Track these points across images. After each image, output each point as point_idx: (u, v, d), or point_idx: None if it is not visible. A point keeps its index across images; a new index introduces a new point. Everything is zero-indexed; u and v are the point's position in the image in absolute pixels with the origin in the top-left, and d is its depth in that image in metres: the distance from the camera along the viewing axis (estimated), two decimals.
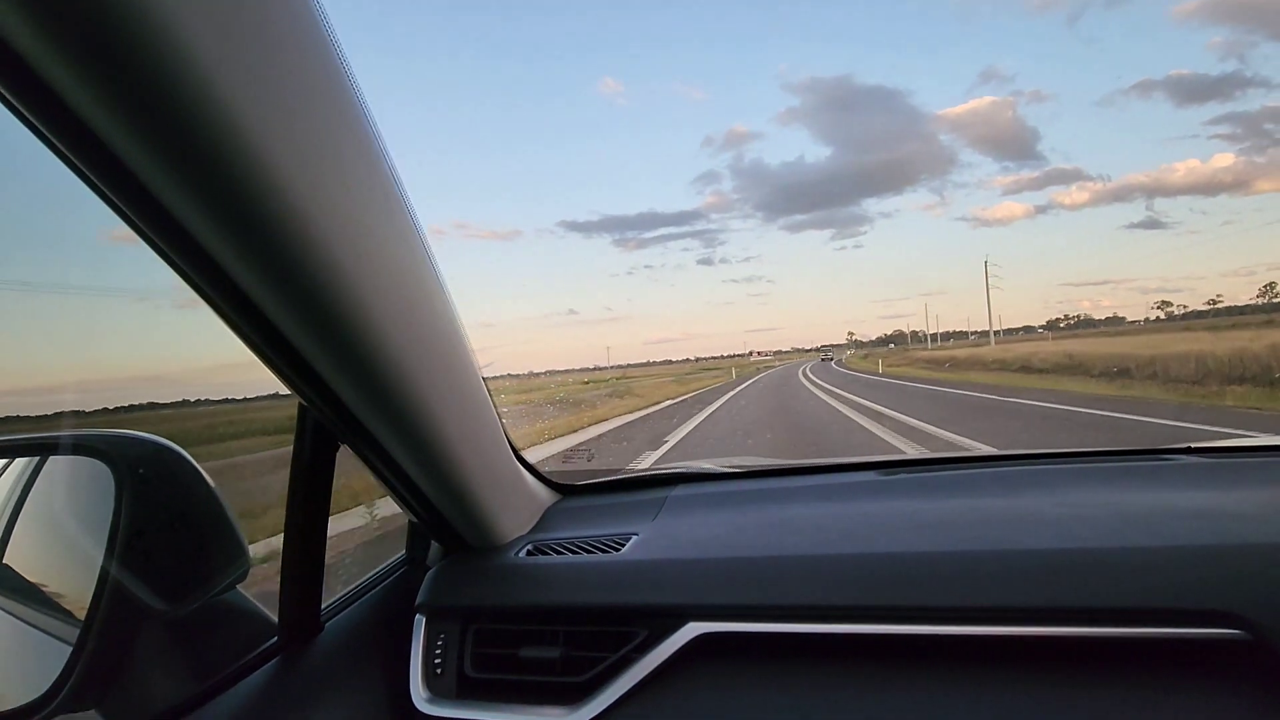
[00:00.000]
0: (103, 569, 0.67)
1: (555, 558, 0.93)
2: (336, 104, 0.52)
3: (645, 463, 7.48)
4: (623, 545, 0.95)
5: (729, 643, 0.79)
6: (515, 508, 1.01)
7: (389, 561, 1.02)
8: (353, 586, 0.93)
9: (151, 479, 0.69)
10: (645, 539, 0.97)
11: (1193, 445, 1.18)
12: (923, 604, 0.75)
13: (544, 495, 1.16)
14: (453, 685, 0.84)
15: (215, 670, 0.74)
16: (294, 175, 0.47)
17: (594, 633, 0.83)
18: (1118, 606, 0.70)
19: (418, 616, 0.90)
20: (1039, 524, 0.84)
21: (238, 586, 0.78)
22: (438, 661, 0.86)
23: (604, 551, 0.94)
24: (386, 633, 0.89)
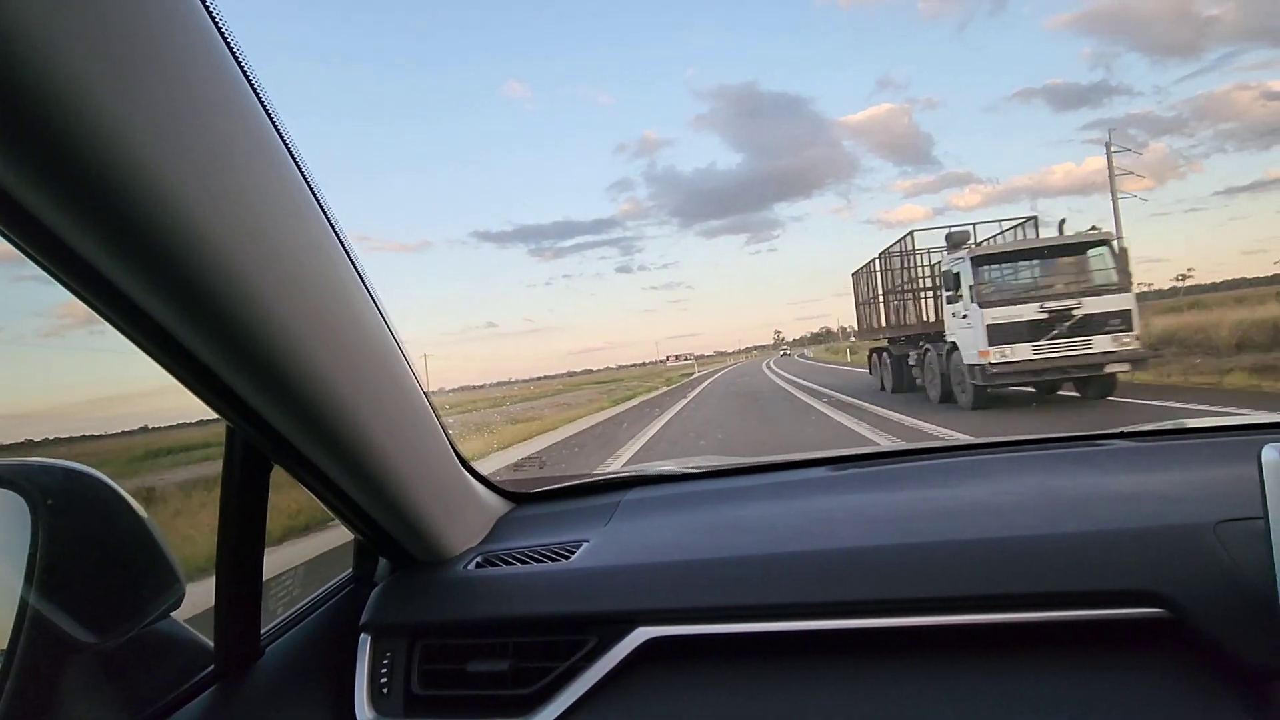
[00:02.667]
0: (21, 604, 0.64)
1: (505, 568, 0.93)
2: (234, 106, 0.49)
3: (610, 467, 7.46)
4: (573, 552, 0.95)
5: (679, 646, 0.79)
6: (464, 519, 1.00)
7: (334, 581, 0.99)
8: (295, 609, 0.91)
9: (65, 508, 0.66)
10: (596, 545, 0.96)
11: (1124, 430, 1.24)
12: (870, 598, 0.77)
13: (495, 505, 1.15)
14: (399, 704, 0.83)
15: (149, 704, 0.71)
16: (180, 175, 0.45)
17: (545, 643, 0.83)
18: (1052, 591, 0.73)
19: (363, 636, 0.88)
20: (981, 513, 0.87)
21: (172, 615, 0.76)
22: (384, 681, 0.84)
23: (554, 560, 0.93)
24: (331, 654, 0.87)
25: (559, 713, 0.77)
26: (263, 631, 0.83)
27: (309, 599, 0.94)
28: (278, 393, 0.61)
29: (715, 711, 0.75)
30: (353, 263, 0.66)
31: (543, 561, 0.93)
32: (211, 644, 0.77)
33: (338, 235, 0.63)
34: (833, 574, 0.80)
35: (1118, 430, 1.25)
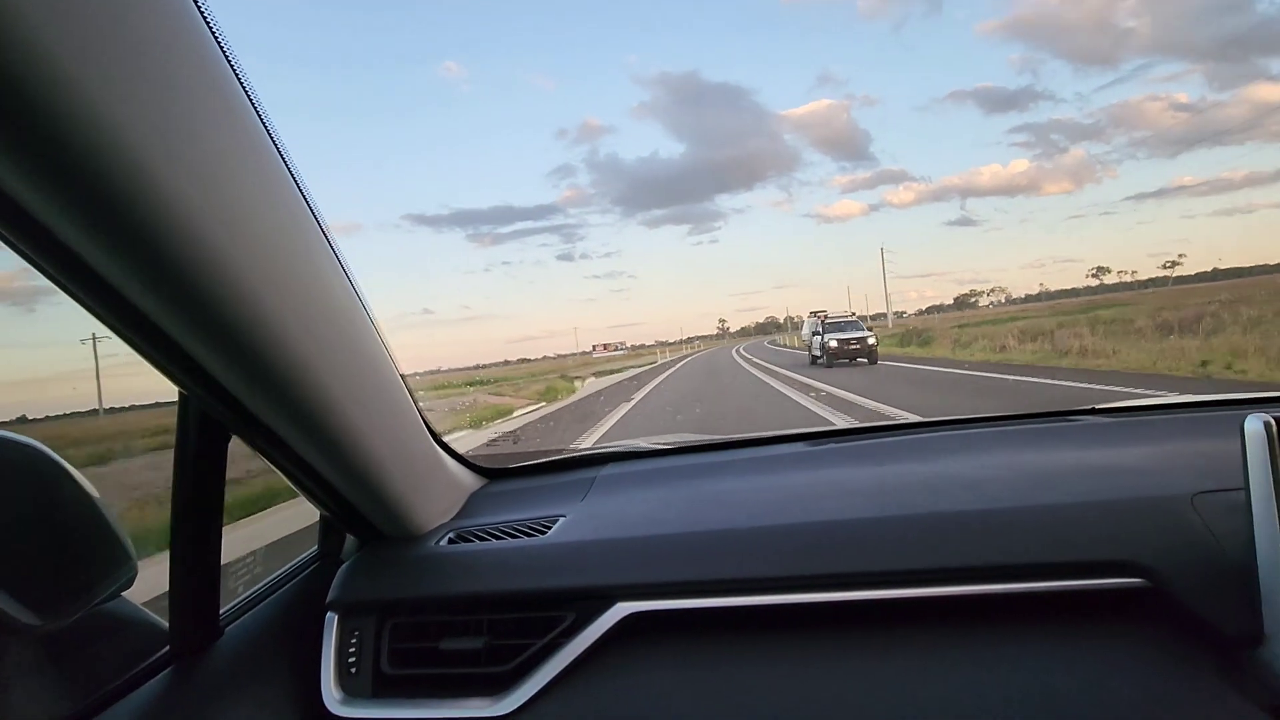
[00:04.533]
0: None
1: (478, 544, 0.90)
2: (205, 73, 0.47)
3: (585, 443, 7.42)
4: (549, 528, 0.92)
5: (659, 621, 0.78)
6: (435, 495, 0.96)
7: (299, 558, 0.96)
8: (257, 587, 0.87)
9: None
10: (573, 520, 0.94)
11: (1096, 406, 1.25)
12: (850, 570, 0.76)
13: (468, 480, 1.12)
14: (369, 684, 0.80)
15: (99, 687, 0.67)
16: (137, 126, 0.41)
17: (520, 619, 0.81)
18: (1032, 562, 0.73)
19: (329, 614, 0.85)
20: (958, 487, 0.87)
21: (126, 595, 0.72)
22: (352, 660, 0.81)
23: (530, 535, 0.91)
24: (295, 634, 0.84)
25: (537, 689, 0.76)
26: (222, 611, 0.79)
27: (271, 577, 0.90)
28: (240, 359, 0.57)
29: (696, 686, 0.74)
30: (323, 231, 0.63)
31: (518, 537, 0.91)
32: (162, 623, 0.74)
33: (306, 200, 0.60)
34: (812, 547, 0.79)
35: (1088, 407, 1.26)
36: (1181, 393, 2.36)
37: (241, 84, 0.51)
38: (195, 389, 0.62)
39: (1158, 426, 1.10)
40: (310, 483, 0.78)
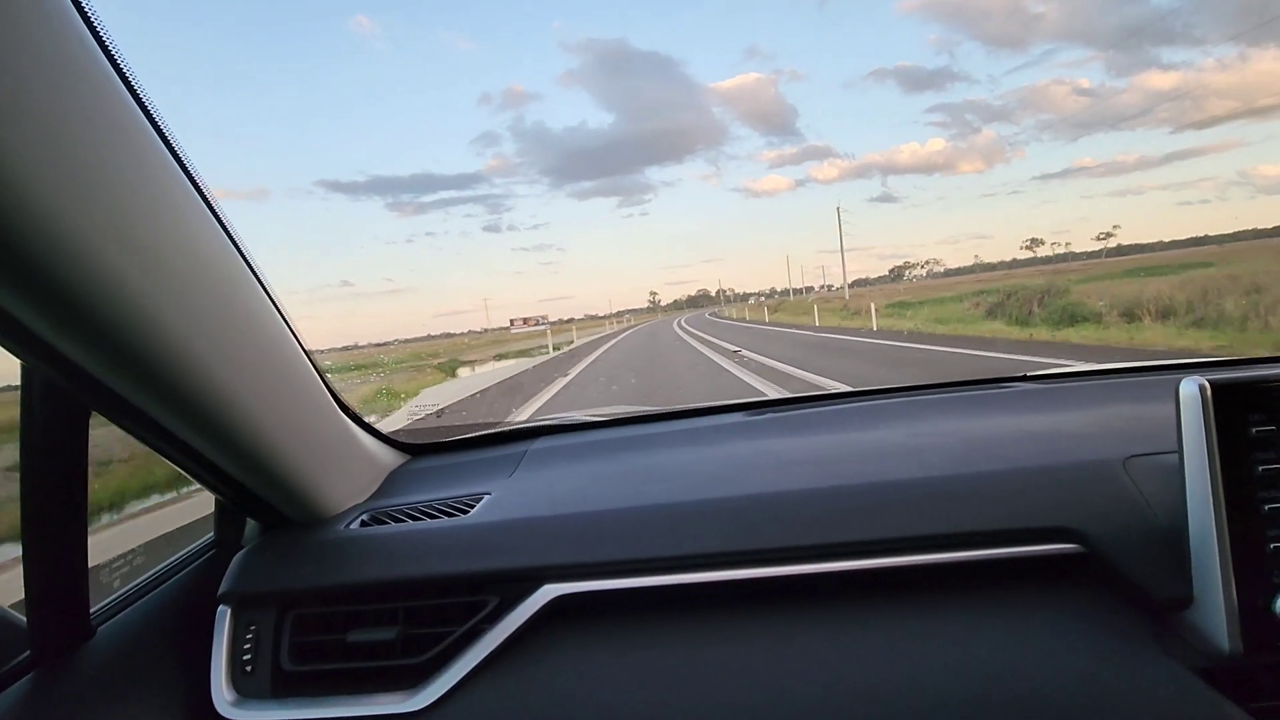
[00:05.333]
0: None
1: (394, 526, 0.83)
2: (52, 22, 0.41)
3: (519, 417, 7.24)
4: (472, 507, 0.86)
5: (589, 602, 0.73)
6: (347, 474, 0.88)
7: (190, 547, 0.86)
8: (138, 581, 0.77)
9: None
10: (498, 498, 0.88)
11: (1029, 373, 1.27)
12: (789, 544, 0.73)
13: (387, 458, 1.04)
14: (266, 683, 0.72)
15: None
16: None
17: (439, 606, 0.74)
18: (971, 530, 0.71)
19: (221, 608, 0.76)
20: (897, 455, 0.85)
21: None
22: (247, 658, 0.73)
23: (451, 515, 0.84)
24: (182, 632, 0.75)
25: (457, 679, 0.70)
26: (95, 609, 0.70)
27: (155, 569, 0.81)
28: (92, 336, 0.49)
29: (628, 668, 0.70)
30: (198, 187, 0.55)
31: (438, 517, 0.84)
32: (23, 623, 0.64)
33: (170, 145, 0.52)
34: (750, 521, 0.76)
35: (1022, 374, 1.28)
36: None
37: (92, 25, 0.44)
38: (36, 359, 0.52)
39: (1090, 392, 1.11)
40: (195, 465, 0.69)
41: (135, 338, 0.50)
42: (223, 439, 0.64)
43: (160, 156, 0.51)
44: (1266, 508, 0.63)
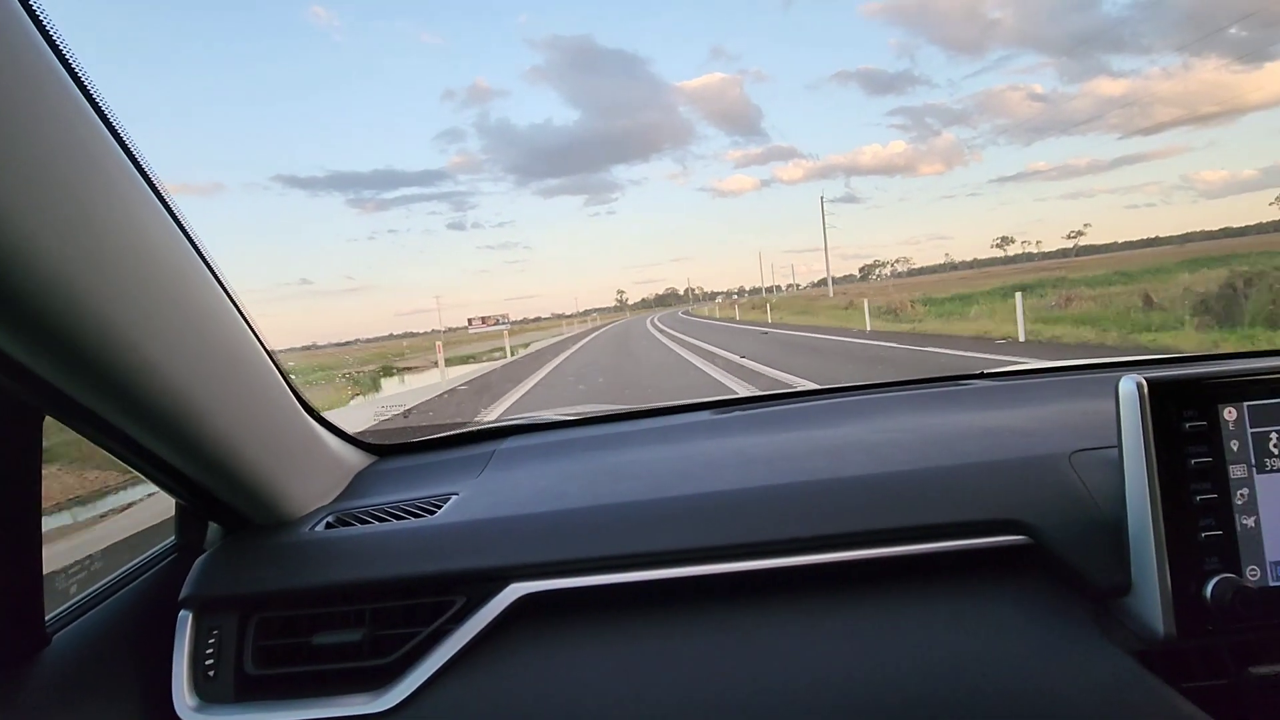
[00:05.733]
0: None
1: (360, 528, 0.82)
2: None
3: (489, 417, 7.19)
4: (440, 507, 0.86)
5: (556, 601, 0.74)
6: (312, 476, 0.88)
7: (150, 551, 0.84)
8: (96, 587, 0.76)
9: None
10: (465, 498, 0.88)
11: (984, 371, 1.32)
12: (752, 540, 0.75)
13: (353, 459, 1.03)
14: (229, 688, 0.72)
15: None
16: None
17: (406, 607, 0.74)
18: (926, 524, 0.74)
19: (182, 613, 0.75)
20: (858, 451, 0.88)
21: None
22: (209, 662, 0.73)
23: (418, 516, 0.84)
24: (142, 638, 0.74)
25: (424, 679, 0.70)
26: (50, 616, 0.68)
27: (114, 574, 0.79)
28: (38, 337, 0.48)
29: (595, 666, 0.71)
30: (149, 179, 0.54)
31: (405, 518, 0.84)
32: None
33: (117, 134, 0.51)
34: (714, 517, 0.77)
35: (978, 372, 1.32)
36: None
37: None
38: None
39: (1040, 389, 1.16)
40: (154, 469, 0.68)
41: (85, 338, 0.49)
42: (181, 441, 0.63)
43: (109, 148, 0.50)
44: (1198, 499, 0.66)
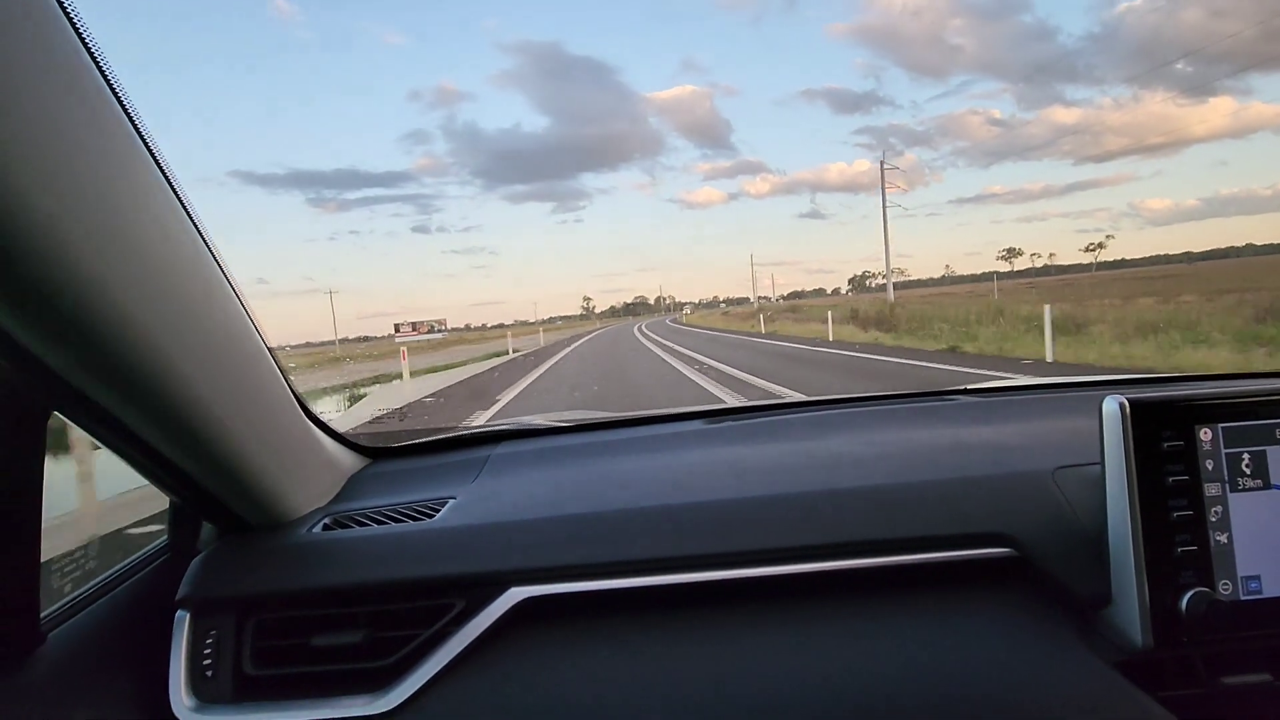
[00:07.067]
0: None
1: (358, 530, 0.83)
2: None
3: (476, 422, 7.14)
4: (437, 511, 0.87)
5: (554, 605, 0.75)
6: (308, 478, 0.88)
7: (143, 551, 0.84)
8: (90, 585, 0.76)
9: None
10: (462, 503, 0.89)
11: (968, 387, 1.34)
12: (746, 548, 0.76)
13: (348, 461, 1.04)
14: (228, 688, 0.72)
15: None
16: None
17: (404, 610, 0.75)
18: (915, 536, 0.76)
19: (179, 613, 0.75)
20: (848, 464, 0.90)
21: None
22: (207, 663, 0.73)
23: (416, 519, 0.85)
24: (137, 637, 0.74)
25: (424, 681, 0.71)
26: (44, 614, 0.68)
27: (107, 573, 0.79)
28: (61, 330, 0.48)
29: (593, 669, 0.72)
30: (164, 173, 0.55)
31: (403, 521, 0.85)
32: None
33: (135, 126, 0.52)
34: (709, 526, 0.79)
35: (961, 388, 1.35)
36: None
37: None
38: (1, 360, 0.52)
39: (1021, 407, 1.19)
40: (156, 467, 0.69)
41: (107, 333, 0.50)
42: (188, 439, 0.64)
43: (136, 147, 0.51)
44: (1175, 515, 0.69)
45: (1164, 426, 0.70)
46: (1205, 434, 0.70)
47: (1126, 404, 0.70)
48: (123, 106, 0.50)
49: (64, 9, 0.45)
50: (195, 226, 0.60)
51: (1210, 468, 0.70)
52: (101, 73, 0.48)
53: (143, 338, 0.53)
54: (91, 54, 0.47)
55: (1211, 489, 0.70)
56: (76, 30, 0.46)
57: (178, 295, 0.56)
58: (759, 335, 24.40)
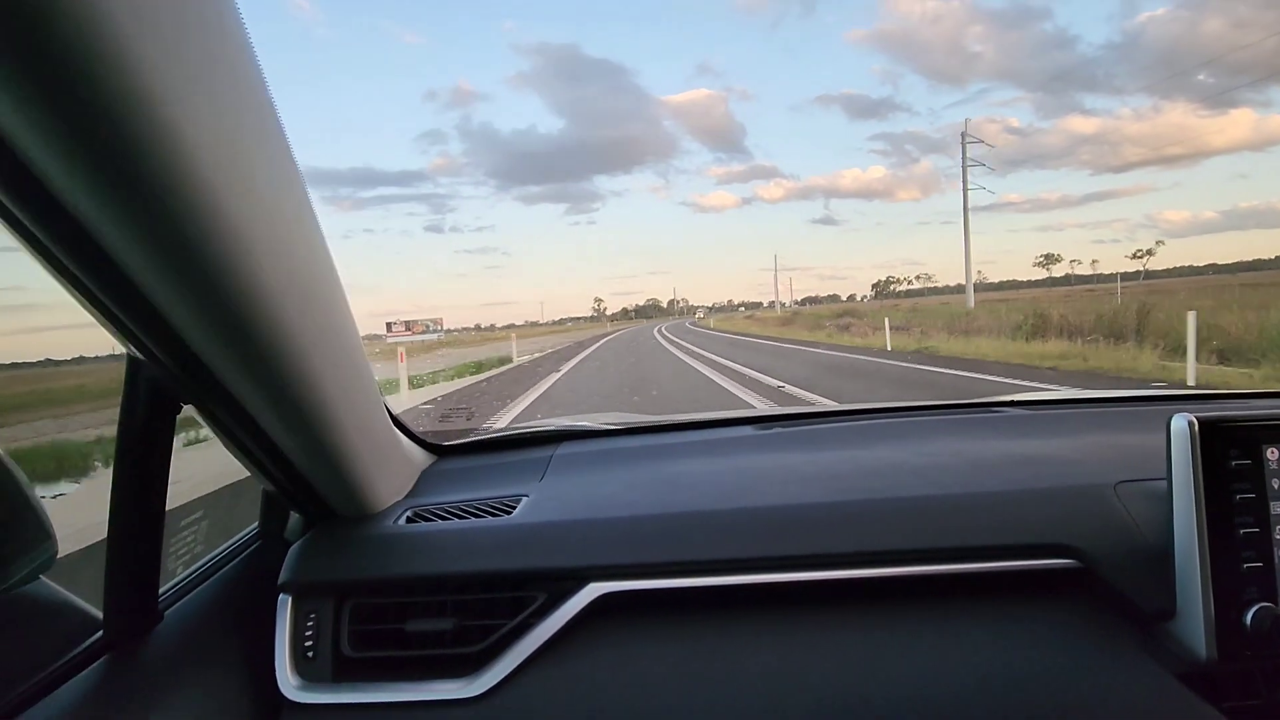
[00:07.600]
0: None
1: (440, 523, 0.87)
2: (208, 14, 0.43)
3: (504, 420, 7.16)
4: (513, 508, 0.91)
5: (628, 601, 0.79)
6: (391, 471, 0.93)
7: (237, 537, 0.89)
8: (195, 568, 0.81)
9: None
10: (536, 500, 0.93)
11: (1014, 399, 1.36)
12: (809, 552, 0.79)
13: (419, 457, 1.08)
14: (328, 668, 0.77)
15: (23, 679, 0.61)
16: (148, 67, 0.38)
17: (487, 600, 0.79)
18: (975, 545, 0.78)
19: (282, 596, 0.80)
20: (905, 473, 0.92)
21: (43, 577, 0.65)
22: (309, 644, 0.78)
23: (494, 515, 0.89)
24: (241, 617, 0.79)
25: (510, 669, 0.75)
26: (160, 592, 0.73)
27: (210, 556, 0.84)
28: (223, 323, 0.53)
29: (670, 663, 0.75)
30: (299, 180, 0.58)
31: (481, 516, 0.89)
32: (95, 611, 0.68)
33: (287, 148, 0.55)
34: (773, 529, 0.82)
35: (1008, 399, 1.36)
36: None
37: (239, 28, 0.47)
38: (160, 354, 0.57)
39: (1073, 420, 1.20)
40: (265, 457, 0.73)
41: (264, 330, 0.55)
42: (303, 432, 0.69)
43: (288, 157, 0.55)
44: (1242, 532, 0.71)
45: (1231, 445, 0.72)
46: (1272, 453, 0.72)
47: (1195, 423, 0.72)
48: (275, 113, 0.53)
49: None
50: (310, 210, 0.62)
51: (1276, 486, 0.72)
52: (257, 73, 0.50)
53: (288, 336, 0.57)
54: (253, 57, 0.50)
55: (1277, 507, 0.72)
56: (244, 38, 0.48)
57: (311, 291, 0.60)
58: (882, 354, 13.60)
